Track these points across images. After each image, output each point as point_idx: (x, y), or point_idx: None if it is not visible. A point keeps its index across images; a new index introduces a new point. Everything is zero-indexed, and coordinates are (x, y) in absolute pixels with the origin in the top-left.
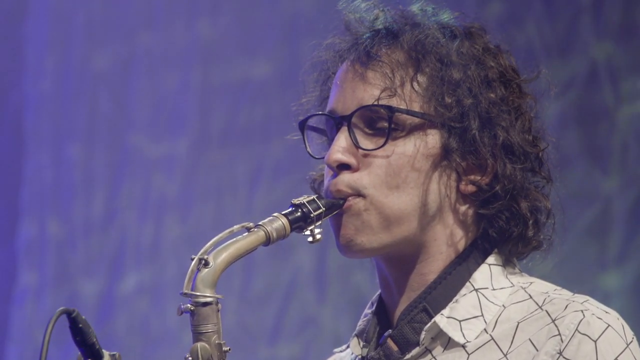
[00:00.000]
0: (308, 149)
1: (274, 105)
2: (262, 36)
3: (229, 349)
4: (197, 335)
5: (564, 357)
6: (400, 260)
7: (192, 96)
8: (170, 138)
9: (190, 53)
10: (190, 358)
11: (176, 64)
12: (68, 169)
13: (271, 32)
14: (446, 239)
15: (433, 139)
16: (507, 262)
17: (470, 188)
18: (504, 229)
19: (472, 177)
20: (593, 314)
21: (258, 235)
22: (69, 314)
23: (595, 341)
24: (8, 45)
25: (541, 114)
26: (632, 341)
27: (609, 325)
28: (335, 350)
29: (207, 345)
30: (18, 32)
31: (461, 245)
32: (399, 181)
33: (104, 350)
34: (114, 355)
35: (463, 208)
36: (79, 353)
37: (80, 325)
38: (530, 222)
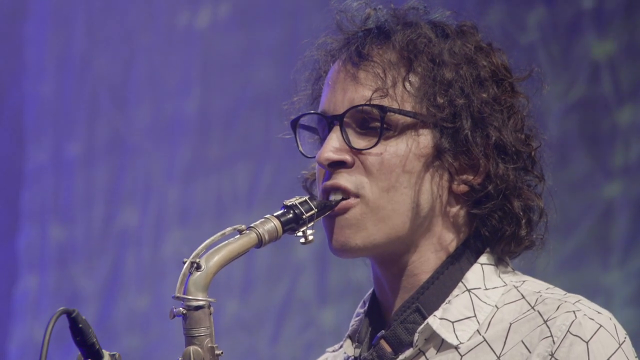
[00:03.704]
0: (300, 148)
1: (274, 106)
2: (263, 36)
3: (222, 353)
4: (190, 339)
5: (555, 359)
6: (392, 260)
7: (192, 97)
8: (171, 138)
9: (190, 53)
10: None
11: (176, 64)
12: (68, 169)
13: (272, 31)
14: (438, 239)
15: (425, 139)
16: (500, 261)
17: (463, 188)
18: (496, 228)
19: (464, 177)
20: (585, 315)
21: (250, 237)
22: (69, 314)
23: (587, 342)
24: (8, 45)
25: (544, 114)
26: (624, 341)
27: (600, 326)
28: (328, 349)
29: (199, 349)
30: (18, 32)
31: (453, 245)
32: (392, 181)
33: (104, 350)
34: (114, 355)
35: (455, 208)
36: (79, 353)
37: (80, 325)
38: (523, 221)
